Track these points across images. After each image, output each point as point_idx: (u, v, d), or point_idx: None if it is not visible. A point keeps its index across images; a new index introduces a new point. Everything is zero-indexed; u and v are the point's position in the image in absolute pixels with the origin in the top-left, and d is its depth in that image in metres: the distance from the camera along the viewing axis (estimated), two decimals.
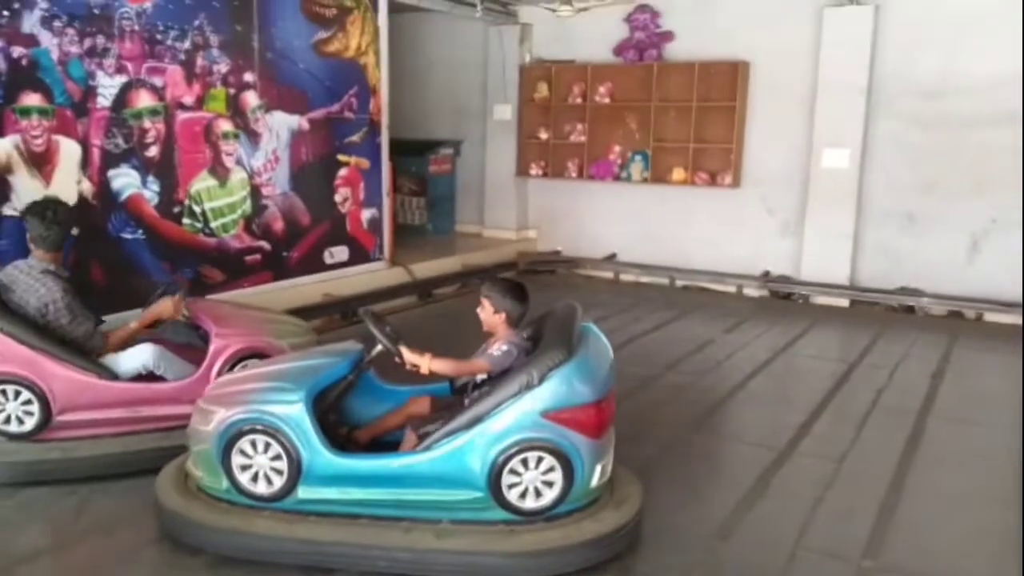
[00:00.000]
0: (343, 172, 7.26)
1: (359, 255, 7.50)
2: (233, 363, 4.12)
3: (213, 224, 6.24)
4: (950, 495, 3.99)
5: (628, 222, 9.17)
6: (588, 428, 3.15)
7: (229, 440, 3.20)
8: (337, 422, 3.54)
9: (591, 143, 9.06)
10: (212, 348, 4.16)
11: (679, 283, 8.75)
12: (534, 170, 9.49)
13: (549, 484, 3.15)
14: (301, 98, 6.80)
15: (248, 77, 6.35)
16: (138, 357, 4.10)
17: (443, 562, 3.09)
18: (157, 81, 5.76)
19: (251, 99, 6.40)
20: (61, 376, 3.86)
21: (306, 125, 6.86)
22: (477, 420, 3.13)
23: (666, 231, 8.96)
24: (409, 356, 3.35)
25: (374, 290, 7.32)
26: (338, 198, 7.26)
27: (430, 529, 3.17)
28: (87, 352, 4.00)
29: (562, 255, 9.49)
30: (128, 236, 5.71)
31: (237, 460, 3.21)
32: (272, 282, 6.70)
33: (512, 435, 3.10)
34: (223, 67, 6.17)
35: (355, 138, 7.31)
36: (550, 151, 9.35)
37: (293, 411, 3.16)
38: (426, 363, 3.31)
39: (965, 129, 7.34)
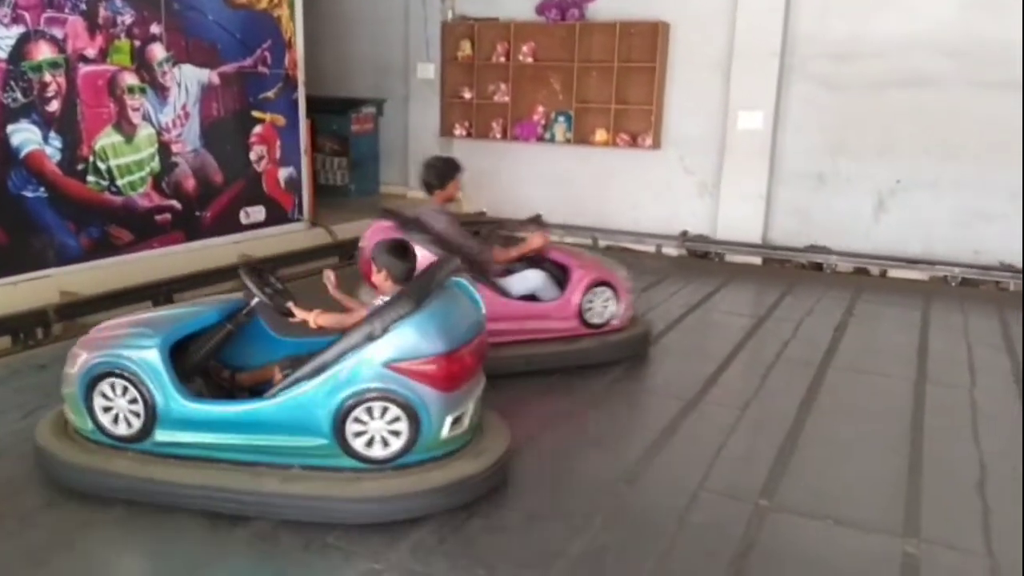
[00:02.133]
0: (258, 129, 7.09)
1: (277, 215, 7.36)
2: (587, 289, 5.00)
3: (119, 182, 6.02)
4: (844, 441, 4.20)
5: (552, 183, 9.21)
6: (435, 380, 3.21)
7: (90, 382, 3.34)
8: (220, 367, 3.64)
9: (515, 103, 9.04)
10: (574, 277, 4.99)
11: (602, 243, 8.87)
12: (458, 130, 9.43)
13: (396, 433, 3.22)
14: (211, 51, 6.58)
15: (154, 29, 6.11)
16: (531, 280, 4.95)
17: (287, 505, 3.19)
18: (57, 32, 5.50)
19: (158, 52, 6.16)
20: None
21: (217, 80, 6.65)
22: (321, 369, 3.21)
23: (589, 192, 9.04)
24: (297, 312, 3.46)
25: (293, 251, 7.19)
26: (253, 156, 7.08)
27: (278, 474, 3.26)
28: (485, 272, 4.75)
29: (487, 216, 9.49)
30: (29, 195, 5.48)
31: (99, 402, 3.35)
32: (184, 243, 6.53)
33: (355, 384, 3.18)
34: (127, 18, 5.92)
35: (270, 94, 7.13)
36: (474, 111, 9.29)
37: (147, 356, 3.29)
38: (312, 318, 3.42)
39: (873, 92, 7.60)
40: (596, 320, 5.11)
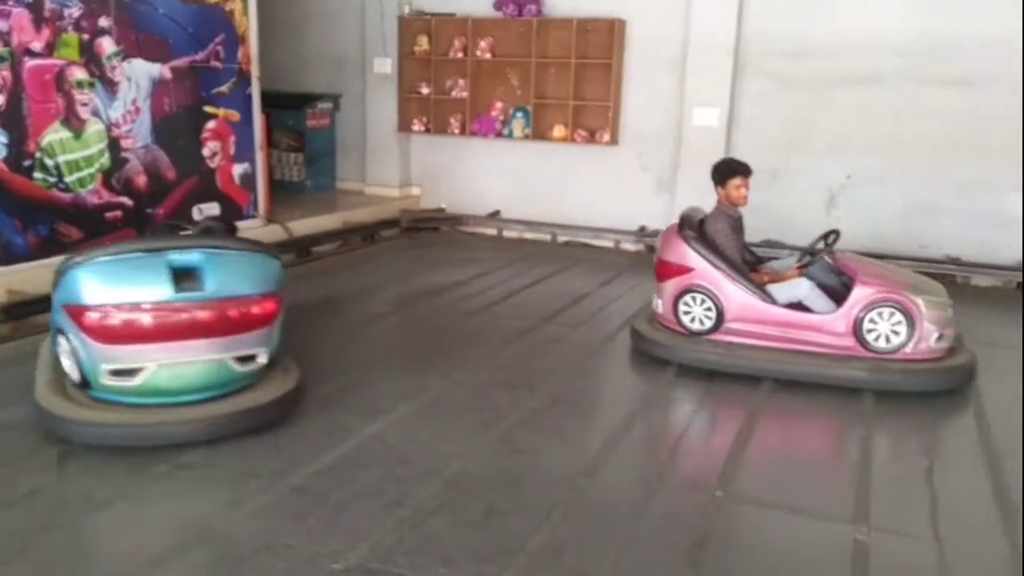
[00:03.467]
0: (211, 124, 6.97)
1: (232, 212, 7.24)
2: (870, 308, 4.69)
3: (68, 179, 5.88)
4: (797, 432, 4.30)
5: (511, 179, 9.23)
6: (87, 329, 3.64)
7: None
8: None
9: (473, 99, 9.02)
10: (855, 292, 4.74)
11: (561, 239, 8.92)
12: (416, 126, 9.39)
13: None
14: (162, 45, 6.45)
15: (103, 22, 5.97)
16: (797, 289, 4.89)
17: None
18: (1, 25, 5.34)
19: (107, 46, 6.02)
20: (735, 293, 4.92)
21: (168, 74, 6.52)
22: None
23: (548, 188, 9.07)
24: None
25: None
26: (206, 152, 6.97)
27: None
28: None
29: (446, 212, 9.48)
30: None
31: None
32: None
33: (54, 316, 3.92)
34: (75, 11, 5.77)
35: (223, 89, 7.02)
36: (432, 106, 9.25)
37: None
38: None
39: (824, 89, 7.75)
40: (881, 344, 4.73)
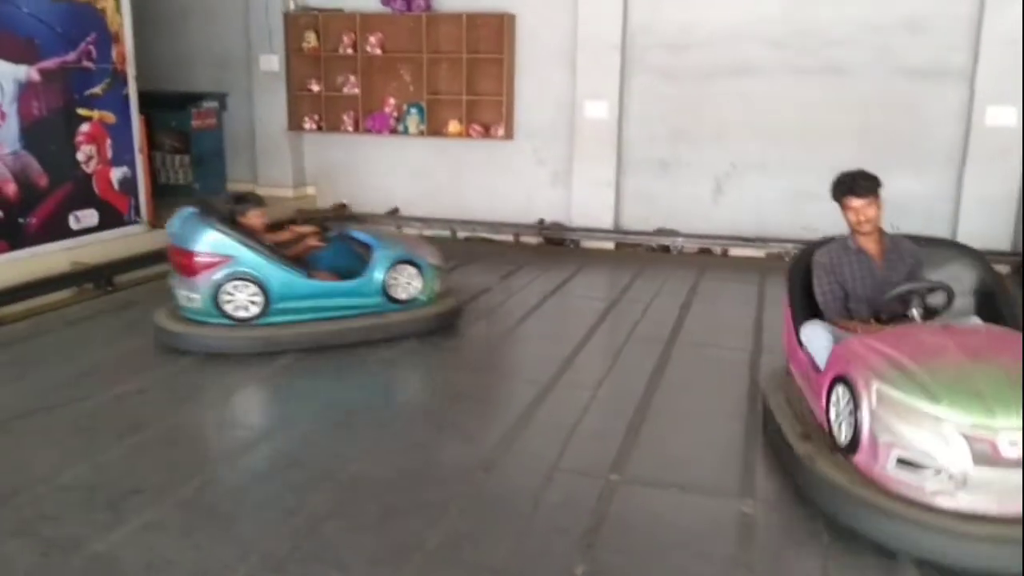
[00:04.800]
0: (85, 128, 6.63)
1: (111, 218, 6.92)
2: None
3: None
4: (687, 412, 4.44)
5: (408, 176, 9.16)
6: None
7: None
8: None
9: (365, 95, 8.90)
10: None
11: (460, 234, 8.91)
12: (308, 124, 9.20)
13: None
14: (28, 46, 6.10)
15: None
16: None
17: None
18: None
19: None
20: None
21: (36, 76, 6.17)
22: None
23: (446, 183, 9.05)
24: None
25: (133, 255, 6.79)
26: (81, 156, 6.62)
27: None
28: None
29: (348, 210, 9.32)
30: None
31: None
32: (9, 251, 6.04)
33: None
34: None
35: (97, 90, 6.69)
36: (323, 104, 9.08)
37: None
38: None
39: (706, 80, 8.02)
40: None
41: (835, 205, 4.04)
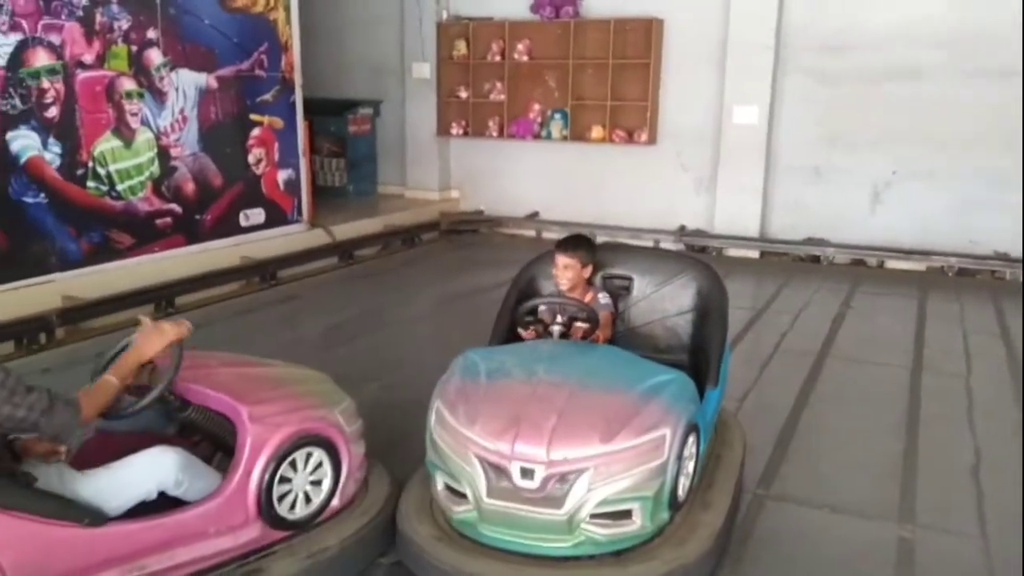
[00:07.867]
0: (256, 132, 7.13)
1: (276, 217, 7.40)
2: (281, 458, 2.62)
3: (119, 187, 6.06)
4: (840, 428, 4.24)
5: (549, 180, 9.26)
6: None
7: None
8: None
9: (511, 101, 9.08)
10: (245, 439, 2.58)
11: (600, 239, 8.88)
12: (455, 129, 9.48)
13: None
14: (208, 55, 6.62)
15: (151, 34, 6.15)
16: (148, 474, 2.41)
17: None
18: (54, 39, 5.54)
19: (155, 57, 6.20)
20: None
21: (214, 83, 6.69)
22: None
23: (586, 188, 9.08)
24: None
25: (293, 252, 7.24)
26: (252, 159, 7.13)
27: None
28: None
29: (485, 215, 9.54)
30: (30, 200, 5.52)
31: None
32: (185, 246, 6.57)
33: None
34: (124, 23, 5.96)
35: (267, 97, 7.17)
36: (470, 110, 9.33)
37: None
38: None
39: (866, 83, 7.64)
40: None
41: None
